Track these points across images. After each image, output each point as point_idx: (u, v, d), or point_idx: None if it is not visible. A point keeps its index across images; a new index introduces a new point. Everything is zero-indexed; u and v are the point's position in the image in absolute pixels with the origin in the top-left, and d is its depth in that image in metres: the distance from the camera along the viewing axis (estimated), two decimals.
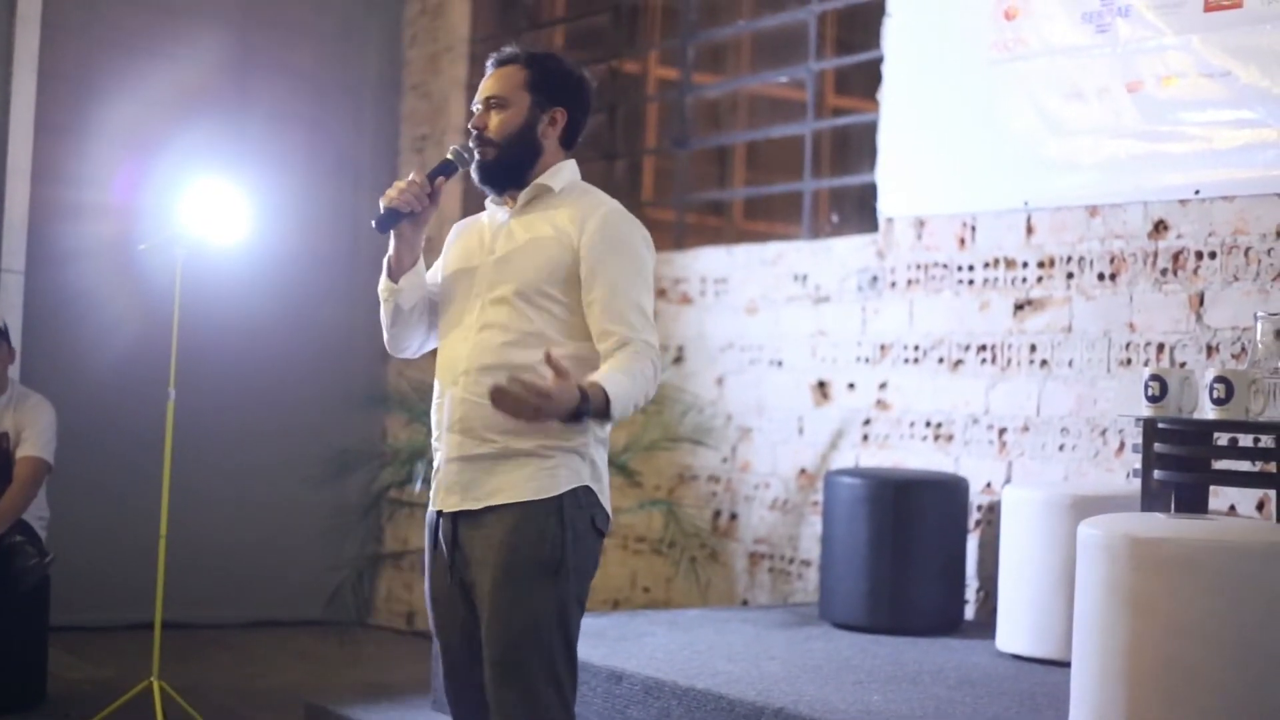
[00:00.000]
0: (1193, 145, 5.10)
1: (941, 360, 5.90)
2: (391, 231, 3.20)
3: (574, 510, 3.11)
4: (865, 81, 6.45)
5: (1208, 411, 3.99)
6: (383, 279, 3.24)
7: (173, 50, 8.04)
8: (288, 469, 7.40)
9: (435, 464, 3.24)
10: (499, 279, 3.16)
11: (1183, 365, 5.01)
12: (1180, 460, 4.11)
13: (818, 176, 6.70)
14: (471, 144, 3.24)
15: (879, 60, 6.21)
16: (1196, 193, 5.08)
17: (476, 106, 3.26)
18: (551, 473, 3.10)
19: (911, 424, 6.00)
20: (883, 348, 6.13)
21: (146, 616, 5.80)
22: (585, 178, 3.36)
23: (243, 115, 8.20)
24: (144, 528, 6.09)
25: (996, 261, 5.74)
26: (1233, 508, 4.89)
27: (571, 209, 3.18)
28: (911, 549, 5.39)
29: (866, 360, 6.19)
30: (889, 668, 4.74)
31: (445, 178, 3.23)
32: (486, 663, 3.10)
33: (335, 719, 5.50)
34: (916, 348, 6.00)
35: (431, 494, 3.24)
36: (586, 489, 3.14)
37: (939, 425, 5.90)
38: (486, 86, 3.25)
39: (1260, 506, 4.84)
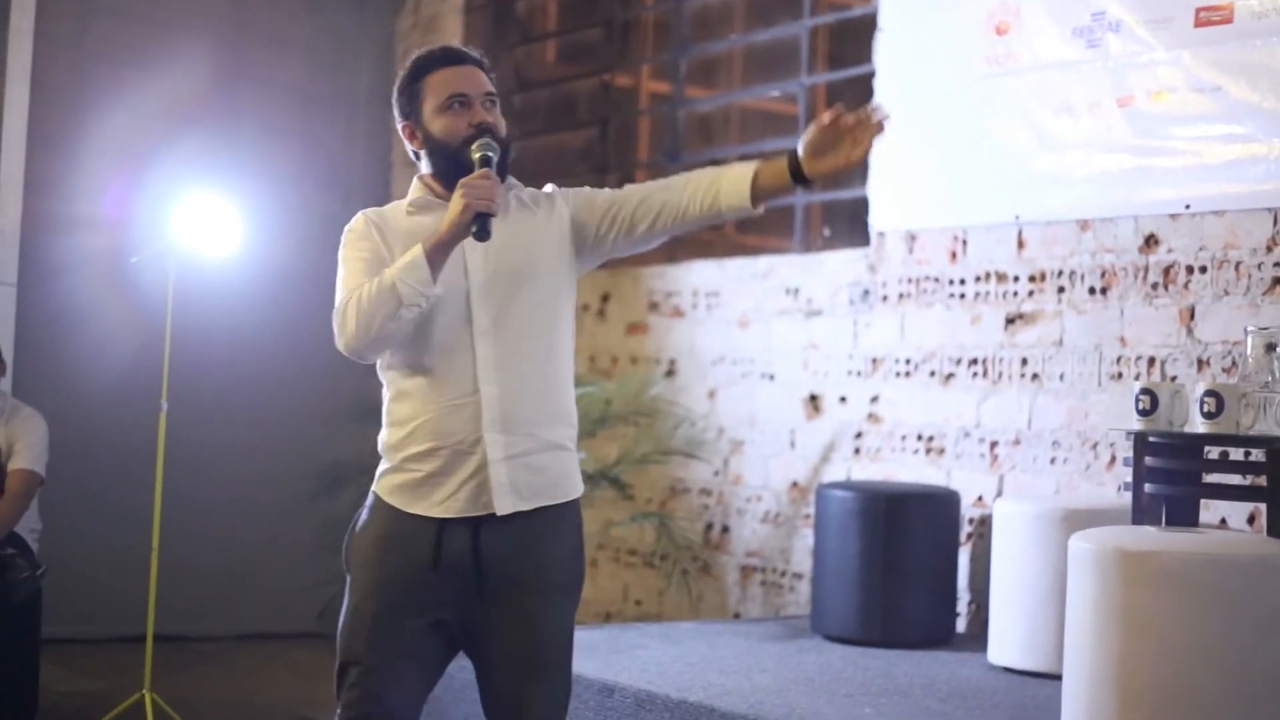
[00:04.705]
0: (1183, 160, 5.12)
1: (933, 374, 5.92)
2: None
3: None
4: (857, 96, 6.46)
5: (1198, 425, 4.00)
6: (425, 285, 2.95)
7: (165, 64, 8.04)
8: (280, 481, 7.38)
9: (431, 470, 3.05)
10: (511, 271, 3.08)
11: (1173, 379, 5.02)
12: (1171, 474, 4.12)
13: (809, 190, 6.70)
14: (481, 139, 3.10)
15: (871, 75, 6.23)
16: (1187, 207, 5.10)
17: (464, 101, 3.19)
18: (576, 468, 3.16)
19: (903, 437, 6.01)
20: (874, 361, 6.14)
21: (139, 629, 5.79)
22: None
23: (235, 129, 8.19)
24: (136, 540, 6.08)
25: (988, 275, 5.75)
26: (1224, 521, 4.90)
27: (537, 202, 3.22)
28: (903, 562, 5.39)
29: (858, 373, 6.20)
30: (880, 680, 4.75)
31: None
32: (517, 665, 3.04)
33: None
34: (908, 361, 6.01)
35: (440, 501, 3.04)
36: None
37: (930, 438, 5.91)
38: (476, 81, 3.22)
39: (1251, 520, 4.85)
